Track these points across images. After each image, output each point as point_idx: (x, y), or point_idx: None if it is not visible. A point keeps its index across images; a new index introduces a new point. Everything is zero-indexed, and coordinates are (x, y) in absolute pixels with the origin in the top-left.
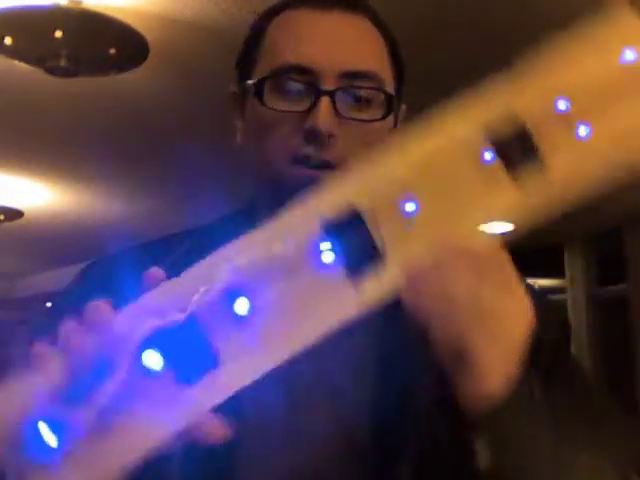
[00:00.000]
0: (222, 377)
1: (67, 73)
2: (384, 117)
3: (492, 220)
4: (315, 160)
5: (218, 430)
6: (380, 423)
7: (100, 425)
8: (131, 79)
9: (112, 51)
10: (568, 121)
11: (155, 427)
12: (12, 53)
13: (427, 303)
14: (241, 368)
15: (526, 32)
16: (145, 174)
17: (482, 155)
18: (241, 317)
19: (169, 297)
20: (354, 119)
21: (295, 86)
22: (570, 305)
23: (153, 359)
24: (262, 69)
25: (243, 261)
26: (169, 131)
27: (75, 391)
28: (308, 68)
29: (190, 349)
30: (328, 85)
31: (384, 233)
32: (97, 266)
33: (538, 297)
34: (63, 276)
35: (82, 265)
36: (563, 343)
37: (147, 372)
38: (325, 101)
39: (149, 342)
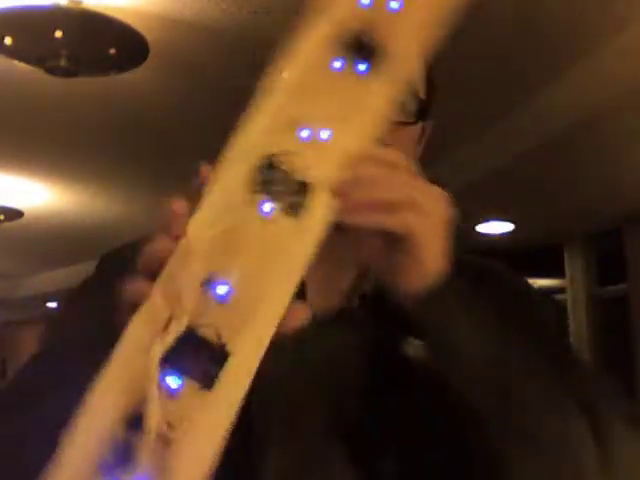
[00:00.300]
0: (238, 364)
1: (67, 73)
2: (415, 122)
3: (379, 118)
4: None
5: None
6: (370, 406)
7: (158, 467)
8: (131, 79)
9: (112, 51)
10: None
11: (204, 442)
12: (12, 53)
13: (361, 213)
14: (250, 347)
15: (524, 30)
16: (145, 174)
17: (347, 66)
18: (226, 300)
19: (160, 311)
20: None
21: None
22: (570, 305)
23: (174, 380)
24: None
25: (206, 247)
26: (169, 131)
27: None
28: None
29: (201, 354)
30: None
31: (302, 167)
32: (112, 256)
33: (536, 295)
34: (63, 276)
35: (82, 265)
36: (561, 339)
37: (174, 394)
38: None
39: (165, 365)
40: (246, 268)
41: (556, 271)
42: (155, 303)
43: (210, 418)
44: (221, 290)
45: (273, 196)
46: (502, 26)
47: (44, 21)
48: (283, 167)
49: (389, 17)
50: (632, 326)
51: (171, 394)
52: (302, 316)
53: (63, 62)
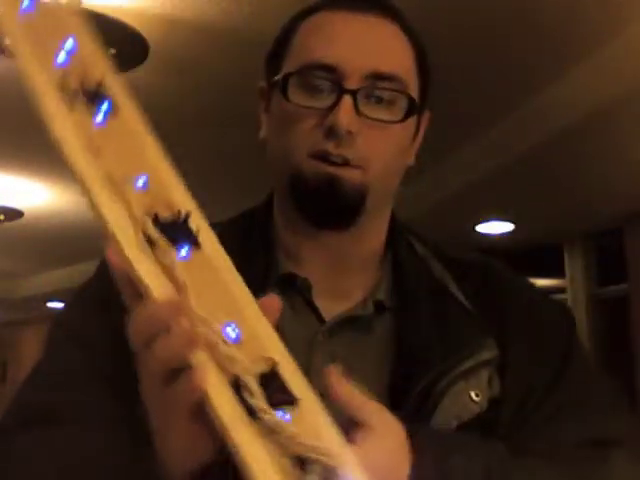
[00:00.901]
0: (288, 371)
1: None
2: (404, 119)
3: (155, 146)
4: (334, 157)
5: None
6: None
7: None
8: (131, 79)
9: (112, 51)
10: None
11: (333, 439)
12: (12, 53)
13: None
14: (280, 353)
15: (525, 30)
16: None
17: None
18: (241, 336)
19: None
20: (375, 119)
21: (320, 83)
22: (570, 305)
23: (284, 417)
24: (290, 66)
25: (202, 311)
26: (169, 131)
27: None
28: (334, 67)
29: (271, 384)
30: (352, 84)
31: (171, 210)
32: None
33: (536, 295)
34: (63, 276)
35: (82, 265)
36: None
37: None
38: (347, 99)
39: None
40: (220, 305)
41: (556, 271)
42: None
43: (319, 420)
44: (233, 332)
45: (177, 243)
46: (504, 26)
47: None
48: (162, 217)
49: (84, 58)
50: (632, 326)
51: (291, 428)
52: (277, 306)
53: None
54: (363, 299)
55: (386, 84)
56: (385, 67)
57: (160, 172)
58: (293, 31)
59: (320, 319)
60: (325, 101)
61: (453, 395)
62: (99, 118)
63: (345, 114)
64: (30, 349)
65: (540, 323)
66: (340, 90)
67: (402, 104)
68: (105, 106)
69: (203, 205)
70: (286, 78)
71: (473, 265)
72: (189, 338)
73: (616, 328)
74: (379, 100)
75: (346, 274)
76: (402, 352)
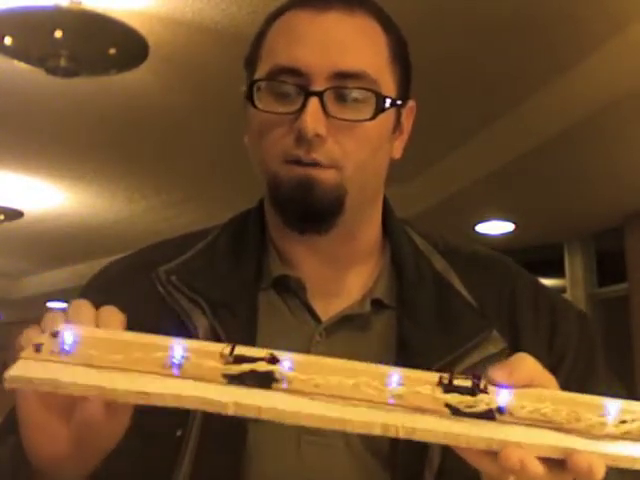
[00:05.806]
0: None
1: (67, 73)
2: (373, 117)
3: None
4: (305, 161)
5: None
6: None
7: None
8: (131, 79)
9: (112, 51)
10: None
11: None
12: (12, 53)
13: None
14: None
15: (525, 28)
16: (145, 174)
17: None
18: None
19: None
20: (344, 119)
21: (287, 88)
22: None
23: None
24: (260, 71)
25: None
26: (169, 131)
27: None
28: (298, 70)
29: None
30: (317, 86)
31: None
32: (102, 277)
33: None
34: (63, 276)
35: (82, 265)
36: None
37: None
38: (313, 102)
39: None
40: None
41: (556, 271)
42: None
43: None
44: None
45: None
46: (505, 25)
47: (44, 21)
48: None
49: None
50: (632, 326)
51: None
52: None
53: (63, 62)
54: (361, 297)
55: (353, 82)
56: (350, 65)
57: None
58: (264, 34)
59: (317, 319)
60: (293, 105)
61: None
62: None
63: (312, 117)
64: None
65: (551, 308)
66: (306, 93)
67: (371, 101)
68: None
69: (203, 205)
70: (252, 85)
71: (477, 257)
72: None
73: (616, 328)
74: (347, 99)
75: (340, 273)
76: (402, 349)
